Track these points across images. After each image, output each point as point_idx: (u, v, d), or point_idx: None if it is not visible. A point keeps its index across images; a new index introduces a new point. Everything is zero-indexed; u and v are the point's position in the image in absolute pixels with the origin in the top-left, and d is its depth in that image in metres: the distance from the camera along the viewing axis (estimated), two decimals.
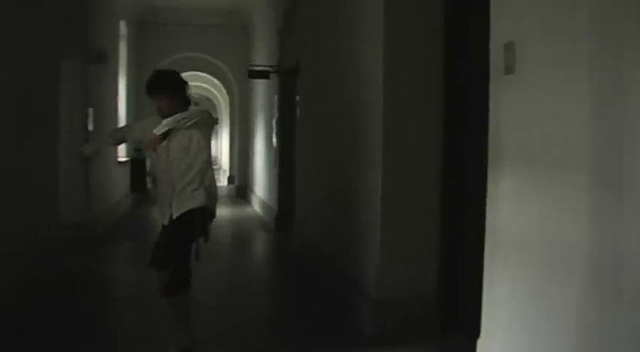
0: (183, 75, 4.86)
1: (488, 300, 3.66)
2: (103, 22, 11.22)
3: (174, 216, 4.58)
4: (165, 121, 4.42)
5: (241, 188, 17.91)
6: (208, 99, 30.17)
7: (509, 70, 3.37)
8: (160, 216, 4.76)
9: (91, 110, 9.67)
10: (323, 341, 5.19)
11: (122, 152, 14.17)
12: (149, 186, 16.14)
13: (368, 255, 5.47)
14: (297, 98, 9.41)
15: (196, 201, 4.58)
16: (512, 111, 3.41)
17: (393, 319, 5.11)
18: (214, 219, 4.79)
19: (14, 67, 5.79)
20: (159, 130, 4.40)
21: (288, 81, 10.52)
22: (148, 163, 15.59)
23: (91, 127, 9.67)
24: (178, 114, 4.49)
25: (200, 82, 23.06)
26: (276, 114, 11.61)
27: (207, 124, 4.71)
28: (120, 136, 5.10)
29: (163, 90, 4.61)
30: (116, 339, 5.34)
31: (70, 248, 8.20)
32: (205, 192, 4.62)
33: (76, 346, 5.03)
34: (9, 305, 5.42)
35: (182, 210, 4.56)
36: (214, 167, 5.34)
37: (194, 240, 4.63)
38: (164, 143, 4.57)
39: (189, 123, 4.47)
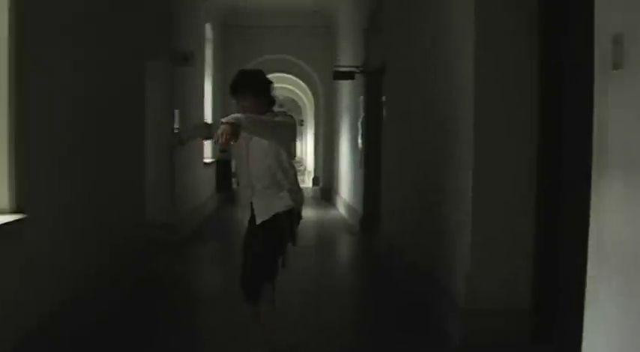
0: (268, 76, 4.75)
1: (591, 318, 3.37)
2: (189, 24, 11.34)
3: (259, 221, 4.50)
4: (240, 116, 4.11)
5: (326, 190, 17.86)
6: (293, 100, 30.33)
7: (616, 65, 3.10)
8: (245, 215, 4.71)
9: (177, 111, 9.76)
10: (408, 349, 5.05)
11: (208, 153, 14.33)
12: (234, 186, 16.30)
13: (457, 260, 5.28)
14: (384, 98, 9.26)
15: (281, 204, 4.48)
16: (619, 110, 3.13)
17: (483, 329, 4.89)
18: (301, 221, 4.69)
19: (105, 69, 5.85)
20: (228, 119, 4.04)
21: (374, 81, 10.38)
22: (233, 164, 15.73)
23: (176, 129, 9.75)
24: (256, 117, 4.36)
25: (285, 84, 23.15)
26: (362, 115, 11.49)
27: (290, 128, 4.56)
28: (206, 132, 5.01)
29: (247, 90, 4.51)
30: (200, 340, 5.33)
31: (156, 248, 8.27)
32: (290, 195, 4.51)
33: (160, 345, 5.04)
34: (94, 304, 5.47)
35: (266, 216, 4.47)
36: (299, 168, 5.22)
37: (283, 246, 4.54)
38: (244, 143, 4.48)
39: (262, 133, 4.34)
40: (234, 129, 3.96)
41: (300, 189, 4.67)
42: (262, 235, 4.50)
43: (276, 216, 4.47)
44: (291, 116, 4.69)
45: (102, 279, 5.71)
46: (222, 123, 4.00)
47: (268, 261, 4.50)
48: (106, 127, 5.96)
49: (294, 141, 4.72)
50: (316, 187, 19.48)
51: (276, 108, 4.67)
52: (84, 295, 5.18)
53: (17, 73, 3.95)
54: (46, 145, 4.51)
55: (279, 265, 4.57)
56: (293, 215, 4.54)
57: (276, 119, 4.45)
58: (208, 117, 14.16)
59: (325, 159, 18.24)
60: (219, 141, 3.96)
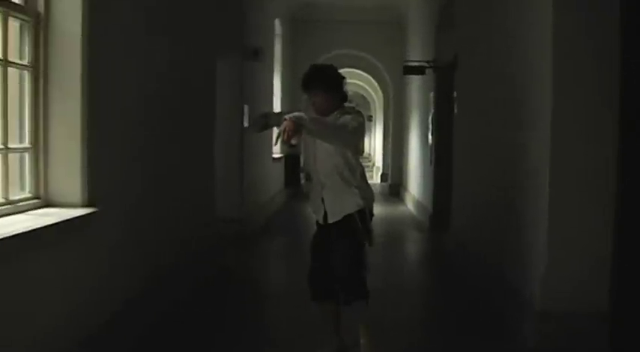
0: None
1: None
2: (259, 20, 11.39)
3: (331, 220, 4.46)
4: (304, 116, 4.03)
5: (394, 186, 17.73)
6: (362, 96, 30.25)
7: None
8: (314, 213, 4.67)
9: (246, 107, 9.81)
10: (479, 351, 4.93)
11: (277, 148, 14.40)
12: (302, 181, 16.35)
13: (531, 260, 5.13)
14: (455, 94, 9.09)
15: (352, 204, 4.42)
16: None
17: (559, 333, 4.74)
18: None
19: (177, 65, 5.91)
20: (291, 116, 3.96)
21: (445, 76, 10.22)
22: (301, 159, 15.78)
23: (246, 124, 9.80)
24: (320, 120, 4.29)
25: (354, 79, 23.09)
26: (432, 111, 11.34)
27: (355, 131, 4.39)
28: (275, 121, 4.95)
29: (318, 85, 4.45)
30: (268, 337, 5.33)
31: (226, 243, 8.32)
32: (359, 193, 4.45)
33: (228, 342, 5.05)
34: (162, 300, 5.52)
35: (339, 217, 4.43)
36: (367, 164, 5.14)
37: (361, 246, 4.47)
38: (311, 140, 4.43)
39: (324, 137, 4.26)
40: (297, 127, 3.91)
41: (368, 186, 4.60)
42: (338, 237, 4.45)
43: (348, 217, 4.41)
44: (360, 112, 4.56)
45: (170, 275, 5.76)
46: (285, 119, 3.94)
47: (354, 260, 4.45)
48: (178, 123, 6.00)
49: (362, 139, 4.62)
50: (385, 183, 19.39)
51: (345, 104, 4.60)
52: (152, 291, 5.22)
53: (90, 69, 3.99)
54: (118, 141, 4.56)
55: (367, 262, 4.53)
56: (365, 214, 4.47)
57: (341, 120, 4.32)
58: (276, 110, 14.21)
59: (394, 155, 18.10)
60: (282, 137, 3.91)
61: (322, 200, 4.51)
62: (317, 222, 4.64)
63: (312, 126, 4.05)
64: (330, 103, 4.44)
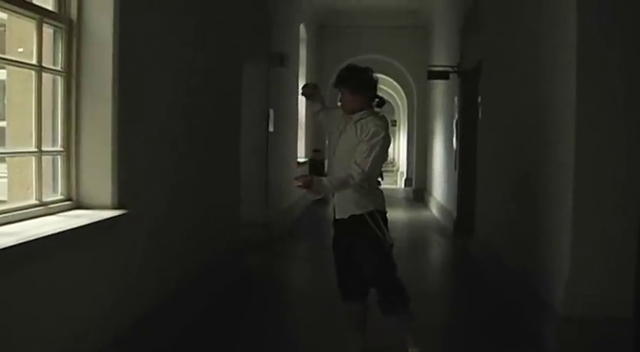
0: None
1: None
2: (284, 26, 11.46)
3: (338, 216, 4.58)
4: (326, 183, 4.45)
5: (418, 191, 17.71)
6: (387, 101, 30.20)
7: None
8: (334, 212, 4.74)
9: (271, 111, 9.88)
10: None
11: (301, 152, 14.46)
12: None
13: (555, 265, 5.13)
14: (479, 99, 9.09)
15: (358, 204, 4.48)
16: None
17: (582, 338, 4.73)
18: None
19: (205, 71, 5.99)
20: (315, 184, 4.41)
21: (469, 81, 10.21)
22: (326, 163, 15.79)
23: (271, 128, 9.87)
24: (337, 182, 4.46)
25: (378, 84, 23.06)
26: (456, 116, 11.33)
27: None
28: (317, 107, 5.05)
29: (346, 85, 4.54)
30: (293, 339, 5.37)
31: (249, 247, 8.38)
32: (367, 197, 4.49)
33: (253, 344, 5.10)
34: (188, 304, 5.58)
35: (344, 215, 4.53)
36: (392, 168, 5.16)
37: (383, 247, 4.52)
38: (334, 136, 4.58)
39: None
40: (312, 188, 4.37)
41: (377, 189, 4.65)
42: (354, 238, 4.51)
43: (358, 218, 4.46)
44: (385, 120, 4.59)
45: (198, 278, 5.82)
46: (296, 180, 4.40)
47: (381, 261, 4.52)
48: (205, 128, 6.08)
49: (386, 153, 4.65)
50: (409, 188, 19.35)
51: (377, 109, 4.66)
52: (179, 294, 5.28)
53: (121, 74, 4.08)
54: (148, 145, 4.63)
55: (394, 261, 4.58)
56: (375, 215, 4.51)
57: (363, 147, 4.39)
58: (302, 115, 14.27)
59: (418, 160, 18.08)
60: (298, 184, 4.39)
61: (333, 194, 4.63)
62: (334, 219, 4.72)
63: (328, 189, 4.45)
64: (356, 103, 4.51)
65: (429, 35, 16.52)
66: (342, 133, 4.56)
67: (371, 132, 4.39)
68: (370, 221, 4.46)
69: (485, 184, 8.50)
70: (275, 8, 10.31)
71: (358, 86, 4.53)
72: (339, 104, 4.67)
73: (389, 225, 4.59)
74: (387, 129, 4.50)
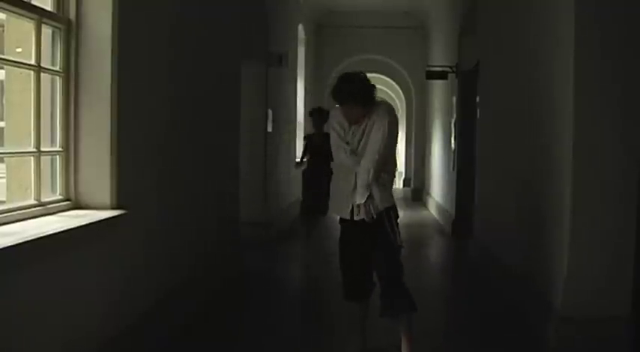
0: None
1: None
2: (283, 26, 11.46)
3: (356, 218, 4.51)
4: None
5: (417, 191, 17.72)
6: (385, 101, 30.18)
7: None
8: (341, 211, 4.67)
9: (270, 111, 9.88)
10: None
11: (300, 152, 14.43)
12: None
13: (554, 265, 5.14)
14: (478, 99, 9.10)
15: (383, 200, 4.49)
16: None
17: (580, 337, 4.75)
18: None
19: (203, 71, 5.99)
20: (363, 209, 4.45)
21: (467, 82, 10.23)
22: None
23: (270, 128, 9.88)
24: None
25: (376, 84, 23.04)
26: (455, 116, 11.34)
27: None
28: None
29: (358, 100, 4.44)
30: (289, 339, 5.36)
31: (248, 247, 8.38)
32: (381, 194, 4.48)
33: (251, 344, 5.10)
34: (186, 303, 5.59)
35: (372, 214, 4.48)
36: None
37: (394, 245, 4.52)
38: (359, 133, 4.51)
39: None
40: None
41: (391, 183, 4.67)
42: (373, 235, 4.50)
43: (380, 217, 4.47)
44: (389, 105, 4.66)
45: (196, 278, 5.83)
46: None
47: (393, 260, 4.55)
48: (204, 128, 6.09)
49: (396, 138, 4.65)
50: (407, 188, 19.35)
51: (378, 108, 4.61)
52: (178, 293, 5.30)
53: (119, 75, 4.08)
54: (146, 145, 4.64)
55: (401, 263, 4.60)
56: (390, 212, 4.53)
57: (376, 137, 4.42)
58: (300, 115, 14.26)
59: (417, 160, 18.09)
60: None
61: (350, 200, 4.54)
62: (342, 219, 4.68)
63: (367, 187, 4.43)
64: (365, 112, 4.47)
65: (427, 35, 16.52)
66: (355, 133, 4.51)
67: (382, 123, 4.43)
68: (392, 216, 4.52)
69: (483, 184, 8.51)
70: (274, 9, 10.31)
71: (366, 100, 4.46)
72: (341, 112, 4.56)
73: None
74: (395, 121, 4.53)
